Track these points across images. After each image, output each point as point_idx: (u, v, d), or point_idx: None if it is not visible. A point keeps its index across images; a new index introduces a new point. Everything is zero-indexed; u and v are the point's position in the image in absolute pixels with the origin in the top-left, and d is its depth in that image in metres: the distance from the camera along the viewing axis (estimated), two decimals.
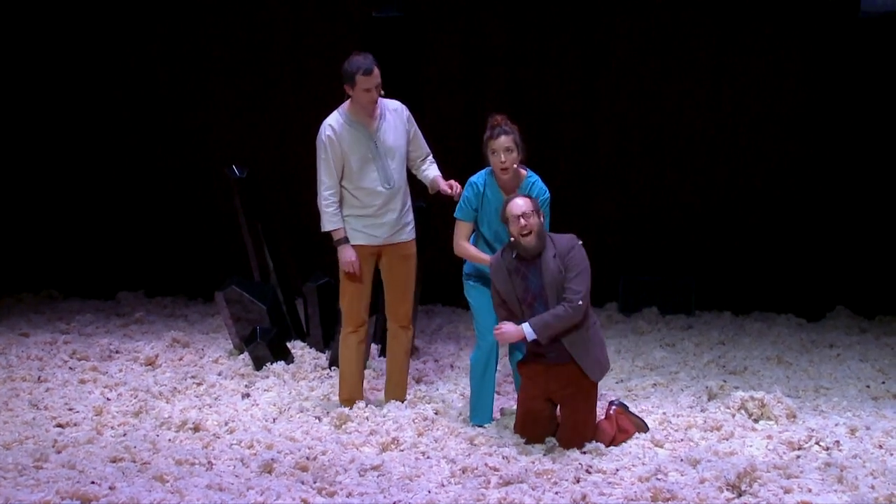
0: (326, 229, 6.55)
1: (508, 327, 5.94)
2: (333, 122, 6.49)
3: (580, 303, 5.85)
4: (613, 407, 6.23)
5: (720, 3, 9.88)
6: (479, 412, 6.43)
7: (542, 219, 6.01)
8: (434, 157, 6.80)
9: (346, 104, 6.50)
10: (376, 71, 6.38)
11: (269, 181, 9.67)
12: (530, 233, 5.91)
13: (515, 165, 6.29)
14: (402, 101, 6.71)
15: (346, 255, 6.51)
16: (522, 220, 5.90)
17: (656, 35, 9.96)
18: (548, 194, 6.37)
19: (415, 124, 6.66)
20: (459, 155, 10.18)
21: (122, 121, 10.56)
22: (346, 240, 6.51)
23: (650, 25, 9.97)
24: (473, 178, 6.41)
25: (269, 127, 10.33)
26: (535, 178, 6.39)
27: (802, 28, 9.79)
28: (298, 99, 10.08)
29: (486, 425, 6.35)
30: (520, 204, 5.95)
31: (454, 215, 6.43)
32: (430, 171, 6.68)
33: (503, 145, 6.25)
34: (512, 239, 5.97)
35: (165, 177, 10.53)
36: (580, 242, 5.99)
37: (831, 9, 9.71)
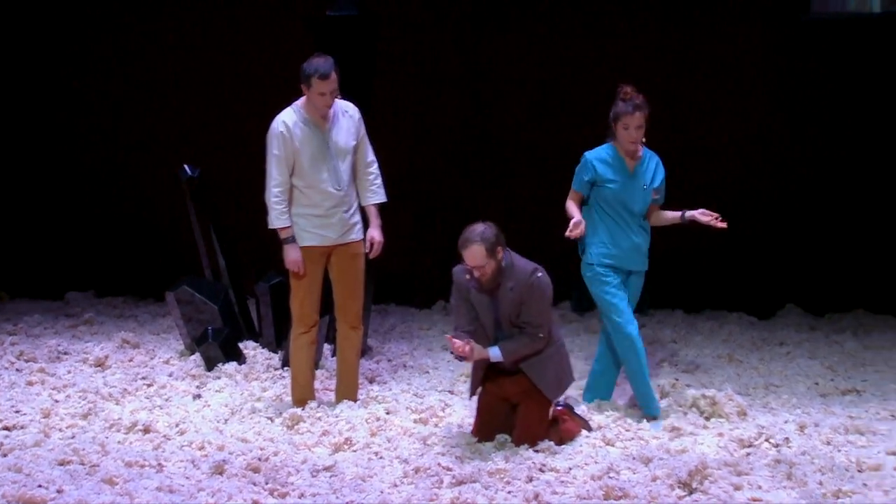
0: (274, 226, 6.51)
1: (474, 348, 5.82)
2: (287, 117, 6.45)
3: (542, 335, 5.88)
4: (558, 407, 6.25)
5: (676, 7, 9.95)
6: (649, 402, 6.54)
7: (499, 258, 5.80)
8: (385, 154, 6.76)
9: (302, 101, 6.47)
10: (333, 76, 6.33)
11: (220, 180, 9.60)
12: (485, 276, 5.81)
13: (643, 141, 6.39)
14: (355, 100, 6.68)
15: (292, 255, 6.48)
16: (476, 272, 5.79)
17: (609, 32, 10.01)
18: (663, 165, 6.52)
19: (364, 128, 6.62)
20: (410, 152, 10.20)
21: (70, 120, 10.44)
22: (292, 239, 6.48)
23: (603, 22, 10.01)
24: (587, 153, 6.50)
25: (221, 126, 10.26)
26: (649, 151, 6.48)
27: (752, 29, 9.88)
28: (251, 97, 10.02)
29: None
30: (474, 255, 5.73)
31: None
32: (371, 197, 6.60)
33: (637, 122, 6.33)
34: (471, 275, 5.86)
35: (115, 176, 10.43)
36: (540, 274, 5.86)
37: (780, 10, 9.82)
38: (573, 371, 6.21)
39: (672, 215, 6.59)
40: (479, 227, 5.78)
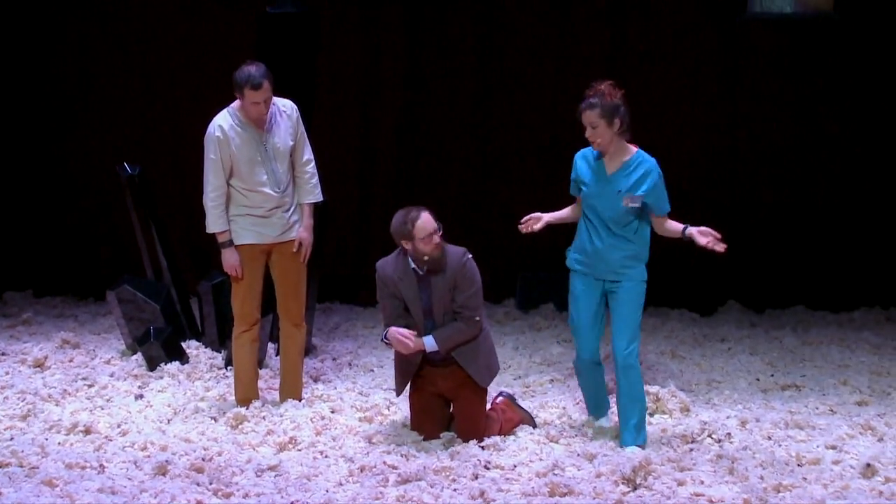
0: (211, 231, 6.47)
1: (409, 341, 5.84)
2: (223, 121, 6.38)
3: (477, 318, 5.89)
4: (500, 398, 6.28)
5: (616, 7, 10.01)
6: (595, 409, 6.31)
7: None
8: (327, 154, 6.70)
9: (237, 103, 6.41)
10: (266, 84, 6.24)
11: (161, 178, 9.50)
12: (440, 247, 5.81)
13: (602, 141, 5.87)
14: (297, 98, 6.64)
15: (230, 259, 6.44)
16: (436, 238, 5.77)
17: (549, 31, 10.05)
18: (658, 172, 5.94)
19: (302, 126, 6.56)
20: (352, 152, 10.17)
21: (8, 116, 10.26)
22: (230, 242, 6.44)
23: (543, 22, 10.05)
24: (578, 152, 6.12)
25: (161, 123, 10.15)
26: (643, 157, 5.96)
27: (691, 29, 9.98)
28: (191, 95, 9.93)
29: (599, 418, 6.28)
30: (430, 220, 5.74)
31: None
32: (306, 196, 6.54)
33: (588, 120, 5.86)
34: (425, 257, 5.81)
35: (54, 173, 10.27)
36: (470, 256, 5.91)
37: (718, 9, 9.93)
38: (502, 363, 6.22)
39: (674, 227, 6.04)
40: (413, 207, 5.81)
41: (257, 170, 6.38)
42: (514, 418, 6.22)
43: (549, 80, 10.07)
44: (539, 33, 10.06)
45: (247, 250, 6.47)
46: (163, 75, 10.15)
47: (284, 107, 6.49)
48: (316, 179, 6.60)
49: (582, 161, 6.10)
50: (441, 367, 5.96)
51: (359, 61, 10.12)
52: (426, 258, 5.82)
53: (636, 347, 5.98)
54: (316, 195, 6.60)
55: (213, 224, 6.44)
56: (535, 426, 6.27)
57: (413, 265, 5.88)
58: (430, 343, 5.88)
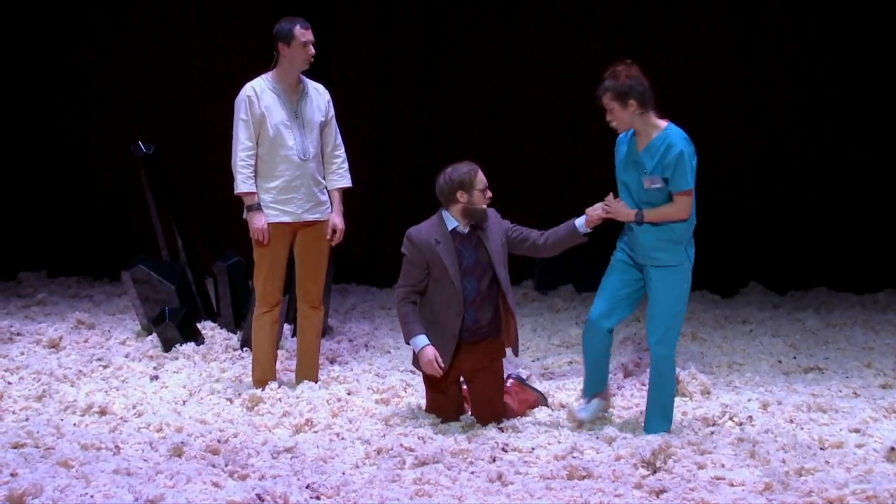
0: (240, 191, 6.43)
1: (439, 370, 5.81)
2: (255, 83, 6.44)
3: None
4: (511, 381, 6.25)
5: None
6: (590, 382, 6.00)
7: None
8: (343, 134, 6.67)
9: (271, 72, 6.45)
10: (310, 29, 6.40)
11: (176, 158, 9.46)
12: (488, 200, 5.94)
13: (618, 123, 5.72)
14: (313, 66, 6.63)
15: (257, 222, 6.40)
16: (489, 192, 5.89)
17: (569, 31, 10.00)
18: (678, 148, 5.67)
19: (332, 110, 6.58)
20: (369, 118, 10.11)
21: (21, 97, 10.24)
22: (258, 205, 6.40)
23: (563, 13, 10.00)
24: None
25: (176, 103, 10.12)
26: (671, 133, 5.70)
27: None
28: (206, 73, 9.88)
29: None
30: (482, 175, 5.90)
31: None
32: (337, 181, 6.57)
33: (604, 103, 5.69)
34: (480, 206, 5.86)
35: (68, 153, 10.26)
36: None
37: None
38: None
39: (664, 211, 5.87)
40: (462, 163, 5.96)
41: (285, 133, 6.38)
42: (528, 399, 6.22)
43: (565, 56, 9.99)
44: (556, 33, 9.99)
45: (272, 229, 6.43)
46: (176, 53, 10.10)
47: (317, 86, 6.56)
48: (346, 165, 6.63)
49: (623, 137, 5.91)
50: (475, 343, 5.89)
51: (377, 52, 10.06)
52: (478, 209, 5.88)
53: (670, 338, 5.75)
54: (346, 180, 6.62)
55: (242, 184, 6.40)
56: (548, 406, 6.22)
57: (454, 226, 5.88)
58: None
